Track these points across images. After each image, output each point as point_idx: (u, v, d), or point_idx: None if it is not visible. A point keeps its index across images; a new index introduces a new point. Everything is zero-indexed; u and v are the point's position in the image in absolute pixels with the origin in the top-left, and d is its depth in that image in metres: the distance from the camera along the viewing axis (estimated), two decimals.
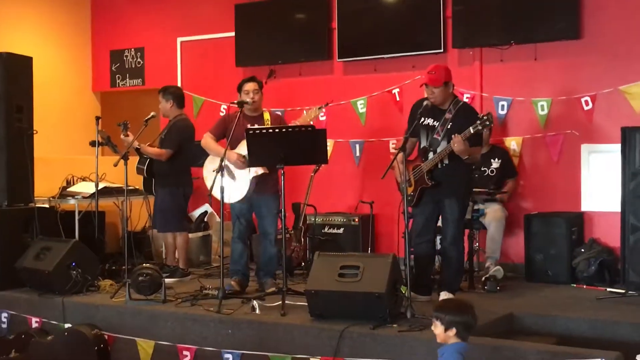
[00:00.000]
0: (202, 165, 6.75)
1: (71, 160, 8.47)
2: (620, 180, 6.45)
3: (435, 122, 5.89)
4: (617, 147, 6.55)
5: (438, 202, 5.93)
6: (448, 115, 5.84)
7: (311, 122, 6.28)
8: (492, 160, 7.24)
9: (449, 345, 4.02)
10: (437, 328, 4.04)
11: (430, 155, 5.88)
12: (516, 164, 7.42)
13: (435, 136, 5.88)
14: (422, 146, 6.00)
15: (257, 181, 6.37)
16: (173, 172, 7.17)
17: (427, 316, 5.16)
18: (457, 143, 5.57)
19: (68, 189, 7.75)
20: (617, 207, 6.52)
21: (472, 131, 5.55)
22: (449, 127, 5.79)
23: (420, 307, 5.46)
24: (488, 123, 5.54)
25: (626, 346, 4.74)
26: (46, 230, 7.04)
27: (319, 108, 6.45)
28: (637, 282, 6.13)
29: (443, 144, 5.78)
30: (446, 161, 5.82)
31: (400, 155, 5.57)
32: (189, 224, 8.08)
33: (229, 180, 6.35)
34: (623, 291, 6.15)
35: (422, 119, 5.94)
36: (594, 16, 7.13)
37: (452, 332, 3.99)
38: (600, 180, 7.09)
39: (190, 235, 7.70)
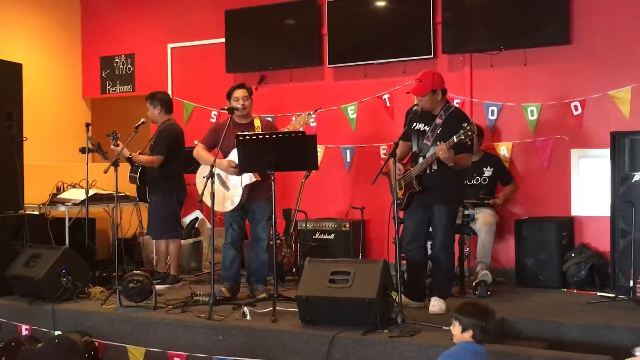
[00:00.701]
0: (194, 172, 6.74)
1: (61, 167, 8.45)
2: (610, 185, 6.48)
3: (426, 127, 5.89)
4: (606, 152, 6.58)
5: (428, 208, 5.92)
6: (438, 121, 5.83)
7: (301, 129, 6.28)
8: (484, 168, 7.24)
9: (459, 344, 4.10)
10: (455, 328, 4.12)
11: (420, 160, 5.88)
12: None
13: (425, 141, 5.87)
14: (412, 151, 6.00)
15: (250, 188, 6.38)
16: (165, 178, 7.16)
17: (418, 322, 5.19)
18: (442, 151, 5.56)
19: (58, 196, 7.74)
20: (607, 212, 6.54)
21: (455, 140, 5.54)
22: (438, 132, 5.78)
23: (412, 312, 5.48)
24: (470, 133, 5.50)
25: (616, 350, 4.75)
26: (36, 238, 7.01)
27: (308, 114, 6.43)
28: (627, 286, 6.15)
29: (432, 150, 5.76)
30: (435, 167, 5.81)
31: (391, 161, 5.58)
32: (181, 230, 8.07)
33: (223, 190, 6.36)
34: (613, 295, 6.17)
35: (414, 124, 5.95)
36: (583, 22, 7.16)
37: (469, 334, 4.07)
38: (590, 185, 7.12)
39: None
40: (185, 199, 7.40)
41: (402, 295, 5.50)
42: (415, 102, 5.97)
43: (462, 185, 6.27)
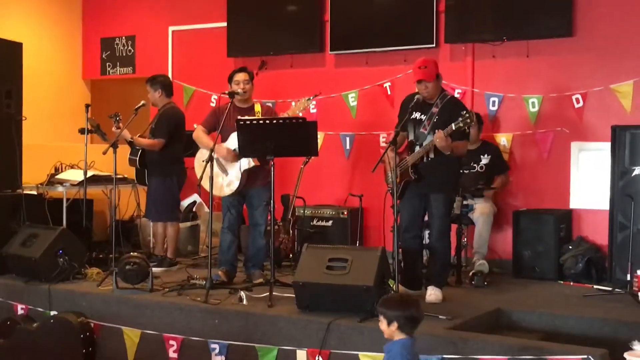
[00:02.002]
0: (192, 155, 6.73)
1: (60, 148, 8.41)
2: (609, 178, 6.48)
3: (423, 115, 5.87)
4: (606, 146, 6.59)
5: (424, 196, 5.91)
6: (435, 109, 5.82)
7: (300, 114, 6.27)
8: (481, 156, 7.23)
9: (393, 342, 3.94)
10: (382, 323, 3.96)
11: (417, 149, 5.86)
12: (506, 160, 7.41)
13: (422, 130, 5.85)
14: (409, 139, 5.99)
15: (248, 173, 6.36)
16: (165, 161, 7.15)
17: None
18: (439, 139, 5.56)
19: (56, 176, 7.72)
20: (605, 205, 6.55)
21: (453, 127, 5.53)
22: (435, 120, 5.77)
23: None
24: (469, 121, 5.49)
25: (612, 343, 4.75)
26: (33, 217, 7.01)
27: (308, 99, 6.42)
28: (624, 279, 6.16)
29: (429, 138, 5.75)
30: (431, 155, 5.78)
31: (391, 149, 5.57)
32: (180, 213, 8.06)
33: (221, 174, 6.35)
34: (610, 289, 6.19)
35: (412, 113, 5.93)
36: (586, 14, 7.14)
37: (394, 326, 3.91)
38: (590, 178, 7.11)
39: None
40: (184, 183, 7.39)
41: (399, 284, 5.50)
42: (416, 91, 5.93)
43: (459, 174, 6.26)
